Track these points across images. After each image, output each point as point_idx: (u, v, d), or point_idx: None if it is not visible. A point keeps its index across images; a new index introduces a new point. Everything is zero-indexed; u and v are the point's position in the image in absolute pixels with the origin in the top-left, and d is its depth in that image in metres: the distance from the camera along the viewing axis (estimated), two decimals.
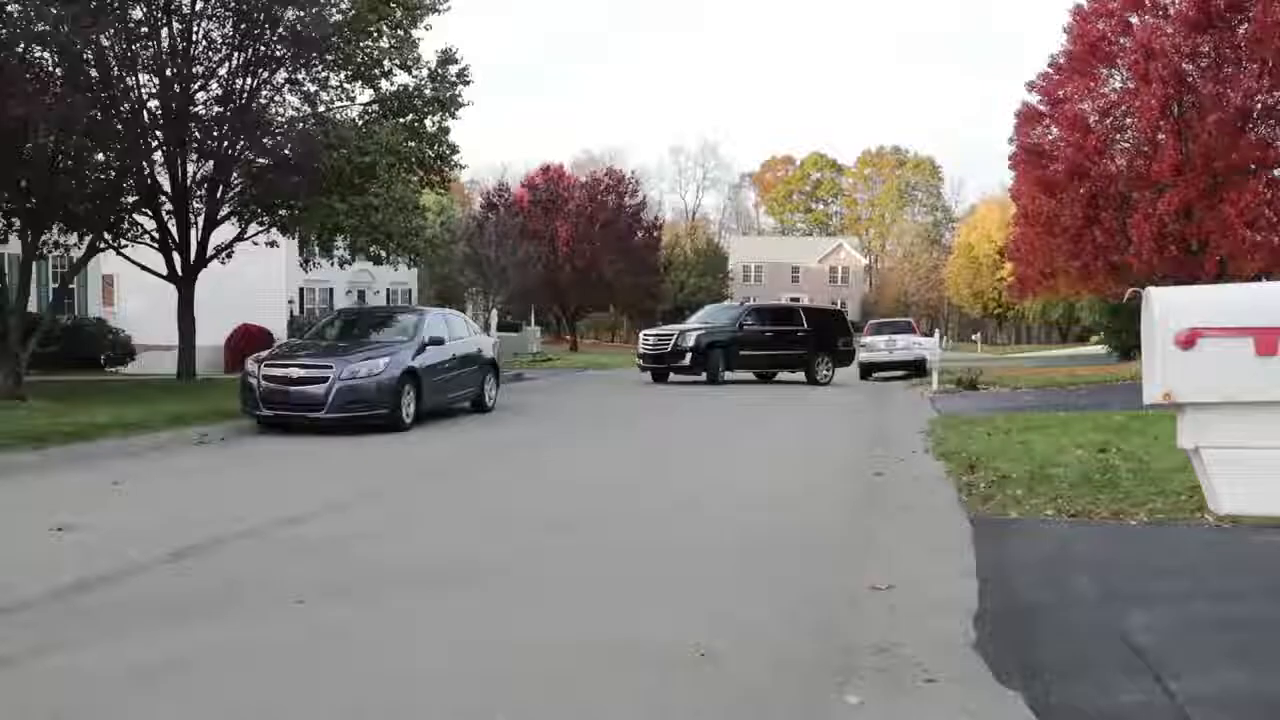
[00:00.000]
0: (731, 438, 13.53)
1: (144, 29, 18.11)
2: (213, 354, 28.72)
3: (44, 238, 17.53)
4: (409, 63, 21.37)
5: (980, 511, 7.48)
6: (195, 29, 18.81)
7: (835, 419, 16.10)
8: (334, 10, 19.43)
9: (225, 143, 19.02)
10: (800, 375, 25.29)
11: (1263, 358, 4.22)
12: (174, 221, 20.16)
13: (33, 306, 20.47)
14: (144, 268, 20.76)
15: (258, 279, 30.71)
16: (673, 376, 24.22)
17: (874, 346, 28.73)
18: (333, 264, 27.83)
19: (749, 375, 25.07)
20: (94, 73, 16.76)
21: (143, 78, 18.57)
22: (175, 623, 4.81)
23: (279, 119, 19.71)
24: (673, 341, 24.05)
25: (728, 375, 23.94)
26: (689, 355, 23.55)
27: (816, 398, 20.61)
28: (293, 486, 9.09)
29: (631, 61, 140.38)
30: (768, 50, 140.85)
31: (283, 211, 21.01)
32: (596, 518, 7.68)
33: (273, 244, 22.67)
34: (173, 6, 18.49)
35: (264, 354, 14.35)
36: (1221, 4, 24.85)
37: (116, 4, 16.87)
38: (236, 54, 19.11)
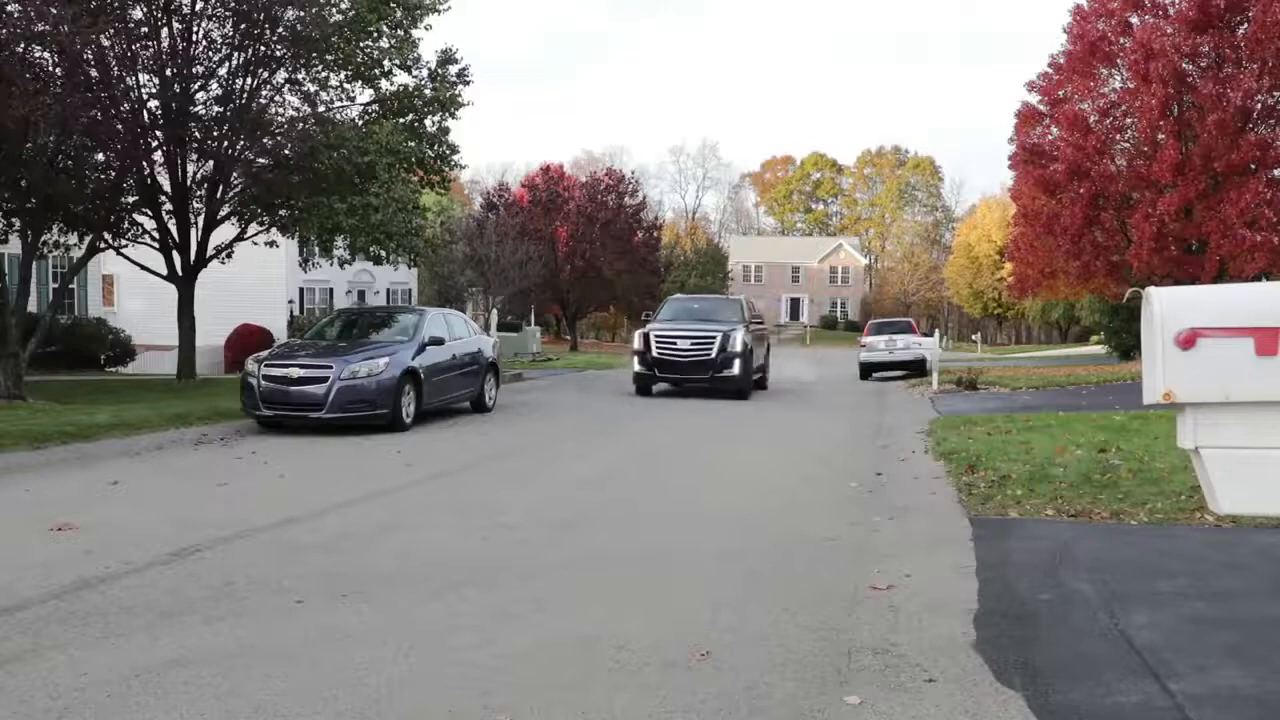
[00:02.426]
0: (729, 438, 13.52)
1: (144, 29, 18.16)
2: (213, 354, 28.79)
3: (44, 238, 17.56)
4: (409, 63, 21.37)
5: (980, 511, 7.48)
6: (195, 29, 18.85)
7: (834, 419, 16.09)
8: (334, 10, 19.44)
9: (225, 143, 19.07)
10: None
11: (1263, 358, 4.23)
12: (174, 221, 20.19)
13: (33, 306, 20.54)
14: (144, 268, 20.79)
15: (258, 279, 30.83)
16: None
17: (874, 346, 28.60)
18: (333, 264, 27.88)
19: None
20: (94, 73, 16.80)
21: (143, 78, 18.62)
22: (175, 623, 4.81)
23: (279, 119, 19.73)
24: (718, 344, 18.66)
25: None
26: (737, 362, 18.65)
27: (813, 398, 20.58)
28: (292, 486, 9.08)
29: (632, 61, 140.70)
30: (768, 49, 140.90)
31: (283, 211, 21.03)
32: (597, 518, 7.69)
33: (273, 244, 22.70)
34: (173, 6, 18.52)
35: (264, 354, 14.34)
36: (1221, 4, 24.89)
37: (116, 4, 16.91)
38: (236, 54, 19.14)
